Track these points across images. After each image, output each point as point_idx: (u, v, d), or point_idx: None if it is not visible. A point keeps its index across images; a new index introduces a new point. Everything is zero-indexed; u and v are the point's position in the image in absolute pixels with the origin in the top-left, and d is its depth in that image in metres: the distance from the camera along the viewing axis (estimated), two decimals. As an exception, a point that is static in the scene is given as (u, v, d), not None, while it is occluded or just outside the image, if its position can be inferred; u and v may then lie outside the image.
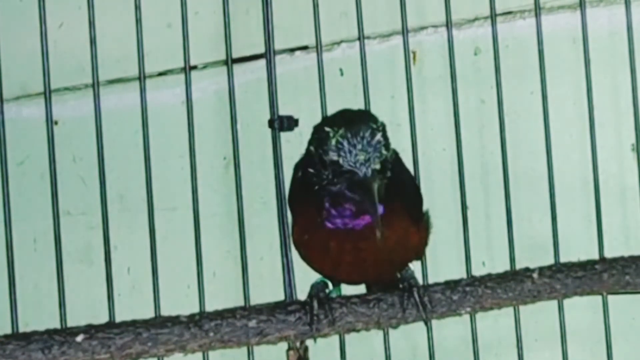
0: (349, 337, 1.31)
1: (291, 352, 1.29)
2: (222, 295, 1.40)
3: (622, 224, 1.57)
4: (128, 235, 1.77)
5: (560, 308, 1.36)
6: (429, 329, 1.34)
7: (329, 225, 1.17)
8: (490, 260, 1.60)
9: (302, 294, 1.26)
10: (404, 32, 1.38)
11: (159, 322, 1.19)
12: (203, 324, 1.19)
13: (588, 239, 1.41)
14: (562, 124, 1.56)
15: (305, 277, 1.26)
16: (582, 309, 1.41)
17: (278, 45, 1.39)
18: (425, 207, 1.28)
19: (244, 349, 1.26)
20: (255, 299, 1.27)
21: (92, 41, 1.27)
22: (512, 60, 1.60)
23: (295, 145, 1.25)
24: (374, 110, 1.38)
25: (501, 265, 1.33)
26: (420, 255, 1.30)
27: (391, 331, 1.33)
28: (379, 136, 1.14)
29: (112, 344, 1.17)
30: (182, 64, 1.31)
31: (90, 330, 1.18)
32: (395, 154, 1.24)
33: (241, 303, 1.27)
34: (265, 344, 1.22)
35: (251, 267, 1.33)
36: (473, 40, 1.68)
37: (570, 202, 1.55)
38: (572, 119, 1.58)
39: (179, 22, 1.31)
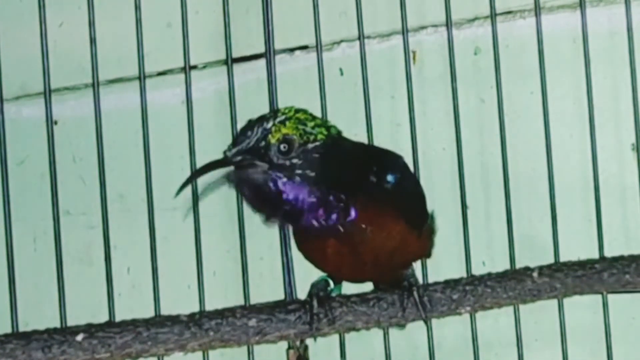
0: (349, 337, 1.31)
1: (291, 351, 1.29)
2: (222, 294, 1.40)
3: (622, 223, 1.56)
4: (128, 235, 1.76)
5: (560, 307, 1.36)
6: (429, 329, 1.34)
7: (310, 225, 1.16)
8: (490, 259, 1.60)
9: (302, 293, 1.26)
10: (404, 32, 1.38)
11: (159, 321, 1.19)
12: (203, 323, 1.19)
13: (588, 238, 1.41)
14: (562, 124, 1.56)
15: (305, 277, 1.26)
16: (582, 309, 1.41)
17: (278, 45, 1.40)
18: (429, 208, 1.28)
19: (244, 348, 1.26)
20: (255, 299, 1.27)
21: (92, 41, 1.27)
22: (512, 60, 1.60)
23: (295, 145, 1.25)
24: (374, 110, 1.38)
25: (501, 265, 1.33)
26: (425, 256, 1.31)
27: (391, 331, 1.33)
28: (269, 123, 1.13)
29: (112, 343, 1.17)
30: (182, 64, 1.32)
31: (90, 329, 1.18)
32: (401, 159, 1.24)
33: (241, 302, 1.27)
34: (265, 343, 1.22)
35: (251, 267, 1.33)
36: (473, 40, 1.68)
37: (570, 202, 1.55)
38: (572, 119, 1.58)
39: (179, 22, 1.31)
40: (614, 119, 1.57)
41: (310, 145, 1.14)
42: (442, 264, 1.37)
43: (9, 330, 1.19)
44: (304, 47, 1.82)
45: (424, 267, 1.35)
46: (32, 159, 2.11)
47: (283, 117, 1.15)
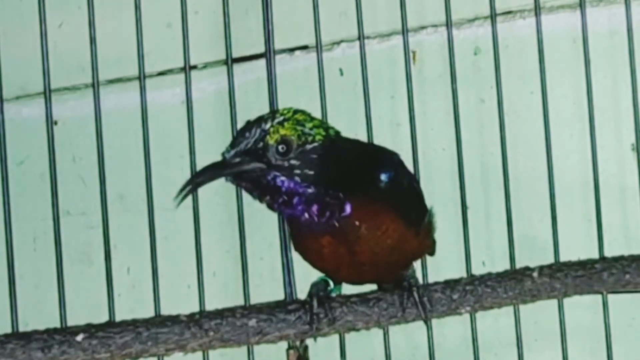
0: (349, 337, 1.31)
1: (291, 352, 1.29)
2: (222, 294, 1.40)
3: (622, 224, 1.57)
4: (128, 235, 1.77)
5: (560, 307, 1.36)
6: (429, 329, 1.34)
7: (305, 223, 1.16)
8: (490, 259, 1.60)
9: (302, 294, 1.26)
10: (404, 32, 1.38)
11: (159, 321, 1.19)
12: (203, 323, 1.19)
13: (588, 238, 1.41)
14: (562, 124, 1.56)
15: (305, 277, 1.26)
16: (582, 309, 1.41)
17: (278, 45, 1.39)
18: (428, 206, 1.28)
19: (244, 348, 1.26)
20: (255, 299, 1.27)
21: (92, 41, 1.27)
22: (512, 60, 1.60)
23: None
24: (374, 110, 1.38)
25: (501, 265, 1.33)
26: (426, 254, 1.30)
27: (391, 331, 1.33)
28: (267, 124, 1.14)
29: (112, 343, 1.17)
30: (182, 64, 1.32)
31: (90, 329, 1.18)
32: (397, 156, 1.24)
33: (241, 302, 1.27)
34: (265, 343, 1.22)
35: (251, 267, 1.33)
36: (473, 40, 1.68)
37: (570, 202, 1.55)
38: (572, 119, 1.58)
39: (179, 22, 1.31)
40: (614, 119, 1.57)
41: (308, 146, 1.15)
42: (442, 264, 1.37)
43: (9, 330, 1.19)
44: (304, 47, 1.82)
45: (424, 267, 1.35)
46: (32, 159, 2.11)
47: (281, 118, 1.15)
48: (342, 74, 1.79)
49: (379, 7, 1.66)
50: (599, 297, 1.36)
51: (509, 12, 1.65)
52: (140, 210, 1.33)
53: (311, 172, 1.14)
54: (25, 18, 1.96)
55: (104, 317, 1.22)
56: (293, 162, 1.14)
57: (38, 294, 1.99)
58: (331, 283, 1.25)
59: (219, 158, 1.93)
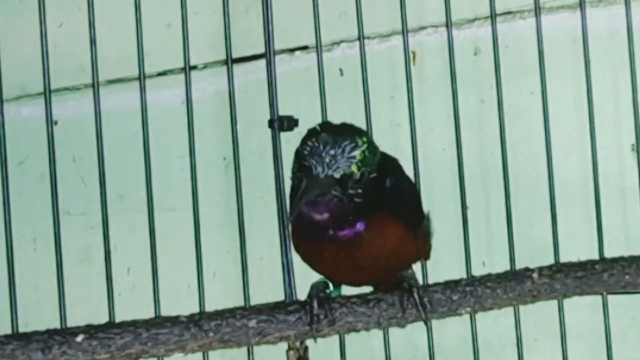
0: (349, 337, 1.31)
1: (291, 352, 1.29)
2: (222, 295, 1.40)
3: (622, 224, 1.57)
4: (128, 235, 1.77)
5: (560, 308, 1.36)
6: (429, 329, 1.34)
7: (320, 236, 1.17)
8: (490, 260, 1.60)
9: (302, 294, 1.26)
10: (404, 32, 1.38)
11: (159, 322, 1.19)
12: (203, 324, 1.19)
13: (588, 239, 1.41)
14: (562, 124, 1.56)
15: (305, 277, 1.26)
16: (582, 309, 1.41)
17: (278, 45, 1.39)
18: (426, 209, 1.28)
19: (244, 349, 1.26)
20: (255, 299, 1.27)
21: (92, 41, 1.27)
22: (512, 60, 1.60)
23: (295, 145, 1.25)
24: (374, 110, 1.38)
25: (501, 265, 1.33)
26: (422, 258, 1.31)
27: (391, 331, 1.33)
28: (355, 152, 1.14)
29: (112, 344, 1.17)
30: (182, 64, 1.31)
31: (90, 330, 1.17)
32: (396, 161, 1.25)
33: (241, 303, 1.27)
34: (265, 344, 1.22)
35: (251, 267, 1.33)
36: (473, 40, 1.68)
37: (570, 202, 1.55)
38: (572, 119, 1.58)
39: (179, 22, 1.31)
40: (614, 119, 1.57)
41: (371, 176, 1.16)
42: (442, 264, 1.37)
43: (8, 330, 1.19)
44: (304, 48, 1.82)
45: (424, 268, 1.35)
46: (32, 159, 2.11)
47: (364, 147, 1.15)
48: (342, 74, 1.79)
49: (379, 7, 1.66)
50: (599, 297, 1.36)
51: (509, 12, 1.65)
52: (140, 210, 1.33)
53: (365, 199, 1.16)
54: (25, 18, 1.96)
55: (104, 318, 1.22)
56: (359, 190, 1.15)
57: (38, 294, 1.99)
58: (330, 285, 1.26)
59: (219, 158, 1.94)
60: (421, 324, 1.26)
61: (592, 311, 1.41)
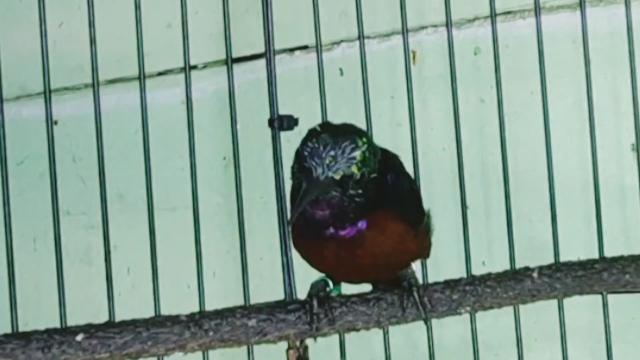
0: (349, 337, 1.31)
1: (291, 352, 1.29)
2: (222, 295, 1.40)
3: (622, 224, 1.57)
4: (128, 235, 1.77)
5: (560, 307, 1.36)
6: (429, 329, 1.34)
7: (320, 232, 1.17)
8: (490, 259, 1.60)
9: (302, 294, 1.26)
10: (404, 32, 1.38)
11: (159, 321, 1.19)
12: (203, 323, 1.19)
13: (588, 238, 1.41)
14: (562, 124, 1.56)
15: (305, 277, 1.26)
16: (582, 309, 1.41)
17: (278, 45, 1.39)
18: (426, 207, 1.28)
19: (244, 348, 1.26)
20: (255, 299, 1.27)
21: (92, 41, 1.27)
22: (512, 60, 1.60)
23: (295, 144, 1.25)
24: (374, 110, 1.38)
25: (501, 265, 1.33)
26: (422, 256, 1.31)
27: (391, 331, 1.33)
28: (356, 153, 1.14)
29: (112, 343, 1.17)
30: (182, 64, 1.31)
31: (90, 329, 1.17)
32: (397, 158, 1.25)
33: (241, 303, 1.27)
34: (265, 343, 1.22)
35: (251, 267, 1.33)
36: (473, 40, 1.68)
37: (570, 202, 1.55)
38: (572, 119, 1.58)
39: (179, 22, 1.31)
40: (614, 119, 1.57)
41: (372, 176, 1.17)
42: (442, 264, 1.37)
43: (8, 330, 1.19)
44: (304, 47, 1.82)
45: (424, 267, 1.35)
46: (32, 159, 2.11)
47: (364, 148, 1.15)
48: (342, 74, 1.79)
49: (379, 7, 1.66)
50: (598, 297, 1.36)
51: (509, 12, 1.65)
52: (140, 210, 1.33)
53: (366, 199, 1.16)
54: (25, 18, 1.96)
55: (104, 317, 1.22)
56: (359, 190, 1.16)
57: (38, 294, 2.00)
58: (330, 283, 1.26)
59: (219, 158, 1.94)
60: (421, 323, 1.26)
61: (592, 311, 1.41)
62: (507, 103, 1.39)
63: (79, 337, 1.16)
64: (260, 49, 1.39)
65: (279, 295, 1.29)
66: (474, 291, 1.26)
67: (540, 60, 1.38)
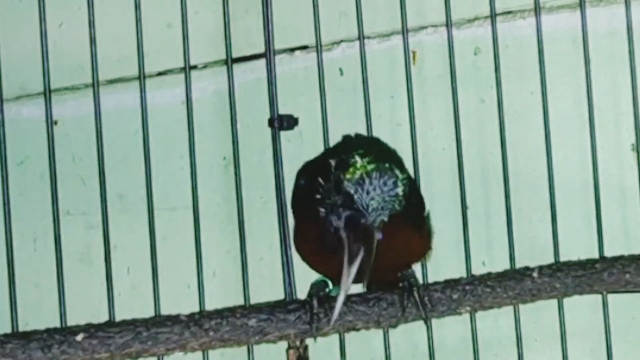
0: (349, 337, 1.31)
1: (291, 351, 1.29)
2: (222, 294, 1.40)
3: (622, 224, 1.57)
4: (128, 235, 1.77)
5: (560, 307, 1.36)
6: (429, 328, 1.34)
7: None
8: (490, 259, 1.60)
9: (302, 294, 1.26)
10: (404, 32, 1.38)
11: (159, 321, 1.19)
12: (203, 323, 1.19)
13: (588, 238, 1.41)
14: (562, 124, 1.56)
15: (305, 277, 1.26)
16: (582, 309, 1.41)
17: (278, 45, 1.39)
18: (426, 209, 1.28)
19: (244, 348, 1.26)
20: (255, 299, 1.27)
21: (92, 41, 1.27)
22: (512, 60, 1.60)
23: (295, 144, 1.26)
24: (373, 110, 1.38)
25: (501, 265, 1.33)
26: (423, 258, 1.31)
27: (391, 330, 1.33)
28: (399, 190, 1.12)
29: (112, 343, 1.17)
30: (182, 64, 1.31)
31: (90, 329, 1.17)
32: (400, 160, 1.24)
33: (241, 302, 1.27)
34: (265, 343, 1.22)
35: (251, 267, 1.33)
36: (473, 40, 1.68)
37: (570, 202, 1.55)
38: (572, 119, 1.58)
39: (179, 22, 1.31)
40: (614, 119, 1.57)
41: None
42: (442, 264, 1.37)
43: (8, 330, 1.19)
44: (304, 47, 1.82)
45: (424, 267, 1.35)
46: (32, 159, 2.11)
47: (405, 181, 1.13)
48: (342, 74, 1.79)
49: (379, 7, 1.66)
50: (599, 297, 1.36)
51: (509, 12, 1.65)
52: (140, 210, 1.33)
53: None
54: (25, 18, 1.96)
55: (104, 317, 1.22)
56: None
57: (38, 294, 2.00)
58: (330, 284, 1.26)
59: (219, 158, 1.94)
60: (421, 323, 1.26)
61: (592, 311, 1.41)
62: (507, 103, 1.39)
63: (79, 337, 1.16)
64: (260, 49, 1.39)
65: (279, 295, 1.29)
66: (474, 291, 1.26)
67: (540, 60, 1.38)
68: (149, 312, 1.23)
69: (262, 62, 1.39)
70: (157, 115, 1.51)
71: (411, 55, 1.42)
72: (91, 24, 1.27)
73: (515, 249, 1.36)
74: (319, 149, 1.31)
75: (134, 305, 1.28)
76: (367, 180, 1.11)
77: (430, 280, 1.31)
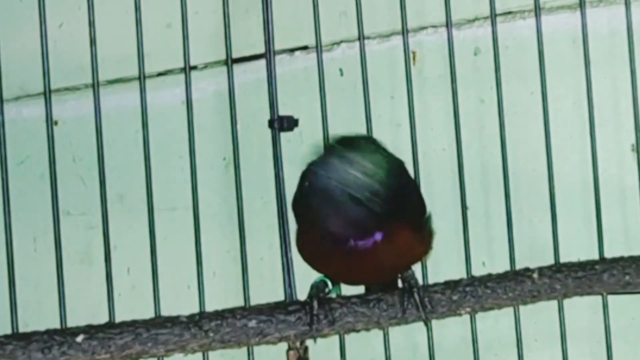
0: (349, 337, 1.31)
1: (291, 352, 1.29)
2: (222, 295, 1.40)
3: (622, 224, 1.56)
4: (128, 235, 1.77)
5: (560, 308, 1.36)
6: (429, 329, 1.34)
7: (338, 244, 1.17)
8: (490, 260, 1.60)
9: (302, 294, 1.26)
10: (404, 32, 1.38)
11: (159, 322, 1.19)
12: (203, 324, 1.19)
13: (588, 239, 1.41)
14: (562, 124, 1.56)
15: (305, 277, 1.26)
16: (582, 309, 1.41)
17: (278, 45, 1.39)
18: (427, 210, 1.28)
19: (244, 349, 1.26)
20: (255, 299, 1.27)
21: (92, 41, 1.27)
22: (512, 60, 1.60)
23: (295, 145, 1.26)
24: (373, 110, 1.38)
25: (501, 266, 1.33)
26: (424, 258, 1.31)
27: (391, 331, 1.33)
28: (378, 169, 1.13)
29: (112, 344, 1.17)
30: (182, 64, 1.32)
31: (90, 330, 1.18)
32: (401, 163, 1.24)
33: (241, 303, 1.27)
34: (265, 344, 1.22)
35: (251, 267, 1.33)
36: (473, 40, 1.68)
37: (570, 202, 1.55)
38: (572, 119, 1.58)
39: (179, 22, 1.31)
40: (614, 119, 1.57)
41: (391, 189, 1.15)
42: (442, 264, 1.37)
43: (8, 331, 1.19)
44: (304, 48, 1.82)
45: (424, 268, 1.35)
46: (32, 159, 2.11)
47: (382, 171, 1.14)
48: (342, 74, 1.79)
49: (379, 7, 1.66)
50: (599, 297, 1.36)
51: (509, 13, 1.65)
52: (140, 210, 1.33)
53: (382, 209, 1.14)
54: (25, 18, 1.96)
55: (104, 317, 1.22)
56: (380, 202, 1.14)
57: (38, 294, 1.99)
58: (329, 283, 1.25)
59: (219, 158, 1.94)
60: (421, 324, 1.26)
61: (592, 311, 1.41)
62: (507, 103, 1.39)
63: (79, 338, 1.16)
64: (260, 49, 1.39)
65: (279, 296, 1.29)
66: (474, 292, 1.26)
67: (540, 61, 1.38)
68: (149, 313, 1.23)
69: (262, 62, 1.39)
70: (157, 116, 1.51)
71: (411, 55, 1.42)
72: (91, 24, 1.27)
73: (516, 249, 1.36)
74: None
75: (134, 305, 1.28)
76: (329, 159, 1.12)
77: (430, 281, 1.31)
